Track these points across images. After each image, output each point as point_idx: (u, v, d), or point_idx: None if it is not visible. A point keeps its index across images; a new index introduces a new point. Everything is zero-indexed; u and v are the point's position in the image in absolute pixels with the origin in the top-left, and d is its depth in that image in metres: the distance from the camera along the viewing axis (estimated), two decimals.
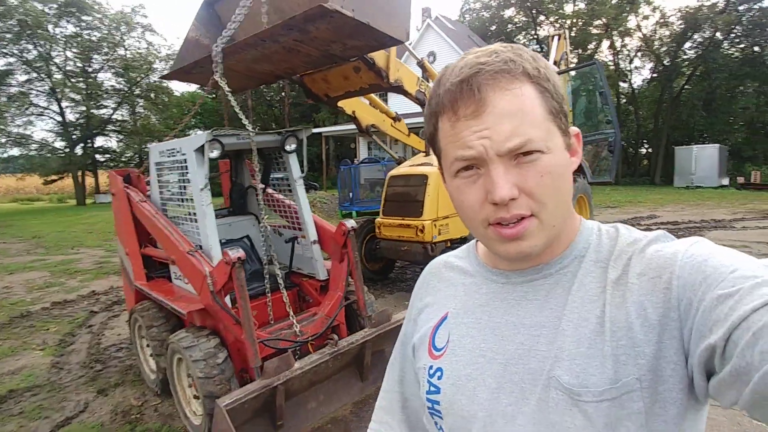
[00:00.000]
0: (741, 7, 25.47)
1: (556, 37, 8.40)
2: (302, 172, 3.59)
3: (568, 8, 30.70)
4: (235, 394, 2.44)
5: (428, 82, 5.18)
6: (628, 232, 0.66)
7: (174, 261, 3.11)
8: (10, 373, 4.12)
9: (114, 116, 31.27)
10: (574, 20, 29.62)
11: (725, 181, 22.63)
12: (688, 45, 28.54)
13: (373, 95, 5.61)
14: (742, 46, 27.11)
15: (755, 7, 25.01)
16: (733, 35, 26.94)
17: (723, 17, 25.45)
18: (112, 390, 3.71)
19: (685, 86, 28.42)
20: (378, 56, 4.23)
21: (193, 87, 39.58)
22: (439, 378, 0.70)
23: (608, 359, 0.56)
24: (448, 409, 0.69)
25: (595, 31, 29.89)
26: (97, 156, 31.60)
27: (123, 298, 6.14)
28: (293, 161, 3.52)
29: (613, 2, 28.67)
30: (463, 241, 5.48)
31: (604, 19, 28.52)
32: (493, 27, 33.44)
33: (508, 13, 33.17)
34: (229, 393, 2.67)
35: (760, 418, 0.45)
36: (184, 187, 3.21)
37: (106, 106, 31.06)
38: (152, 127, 30.71)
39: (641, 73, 48.69)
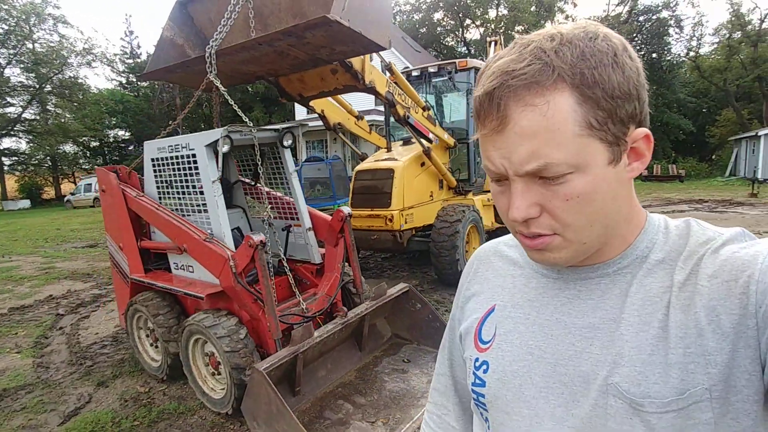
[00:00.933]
0: (641, 18, 28.49)
1: (493, 43, 9.19)
2: (295, 165, 3.91)
3: (492, 13, 32.58)
4: (268, 360, 2.75)
5: (396, 85, 5.62)
6: (701, 230, 0.61)
7: (186, 249, 3.32)
8: None
9: (24, 115, 28.67)
10: (499, 25, 31.48)
11: None
12: None
13: (339, 96, 5.97)
14: (642, 53, 30.29)
15: (653, 18, 28.11)
16: (635, 43, 30.02)
17: (626, 26, 28.34)
18: (111, 381, 3.81)
19: None
20: (355, 60, 4.61)
21: (111, 85, 37.27)
22: (485, 372, 0.70)
23: (673, 367, 0.53)
24: (493, 403, 0.68)
25: (489, 37, 32.05)
26: (4, 159, 28.85)
27: (86, 301, 6.08)
28: (288, 156, 3.83)
29: (531, 9, 30.83)
30: (427, 228, 6.01)
31: (524, 25, 30.58)
32: (423, 29, 34.69)
33: (437, 16, 34.55)
34: (252, 365, 2.99)
35: None
36: (190, 180, 3.41)
37: (13, 104, 28.48)
38: (68, 126, 28.51)
39: None
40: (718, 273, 0.54)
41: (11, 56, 27.11)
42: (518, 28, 31.75)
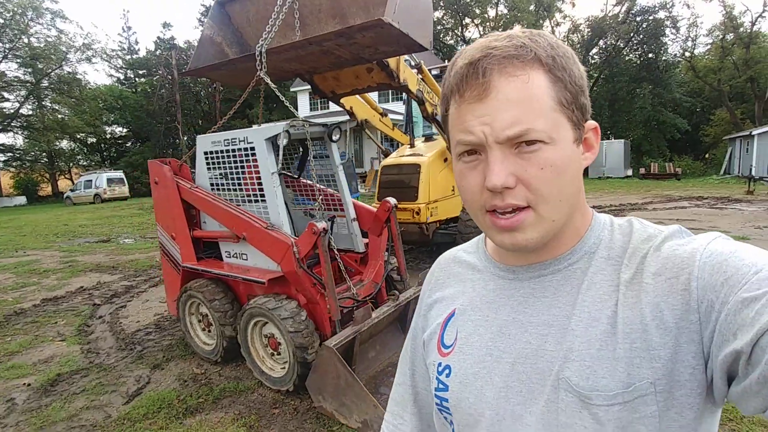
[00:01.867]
0: (638, 18, 28.87)
1: None
2: (342, 158, 4.10)
3: (492, 12, 32.87)
4: (335, 338, 2.95)
5: (424, 83, 5.82)
6: (642, 227, 0.64)
7: (245, 237, 3.50)
8: (42, 362, 4.20)
9: (20, 111, 28.49)
10: (498, 24, 31.77)
11: (629, 172, 25.75)
12: (594, 51, 31.76)
13: (366, 93, 6.17)
14: (639, 52, 30.72)
15: (650, 18, 28.50)
16: (632, 43, 30.44)
17: (623, 27, 28.71)
18: (165, 364, 3.99)
19: (593, 88, 31.63)
20: (391, 59, 4.81)
21: (109, 81, 37.10)
22: (448, 376, 0.71)
23: (620, 362, 0.55)
24: (456, 406, 0.69)
25: None
26: None
27: (119, 292, 6.22)
28: (335, 149, 4.03)
29: (530, 9, 31.13)
30: (450, 221, 6.24)
31: (523, 24, 30.86)
32: None
33: (437, 14, 34.75)
34: (312, 344, 3.19)
35: None
36: (244, 172, 3.58)
37: (8, 99, 28.30)
38: (68, 122, 28.38)
39: None
40: (661, 270, 0.56)
41: (7, 51, 26.94)
42: (516, 27, 32.01)
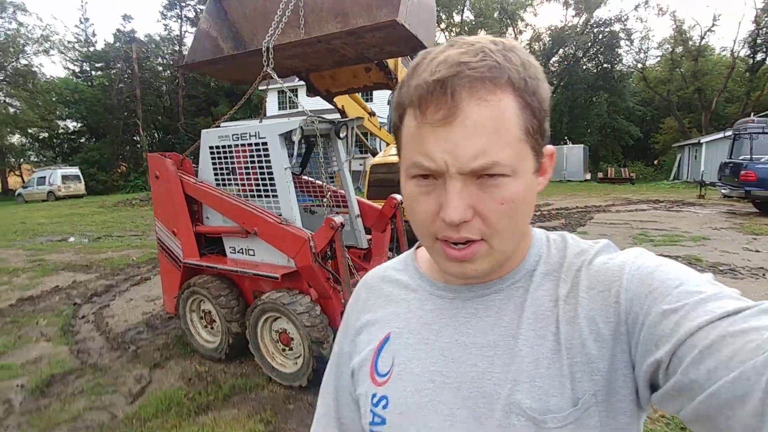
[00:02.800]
0: (596, 30, 30.26)
1: None
2: (347, 155, 4.14)
3: (457, 18, 33.54)
4: None
5: None
6: (575, 243, 0.65)
7: (256, 232, 3.49)
8: (31, 363, 4.01)
9: None
10: (463, 29, 32.45)
11: (588, 176, 26.92)
12: (555, 59, 33.02)
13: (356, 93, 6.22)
14: (596, 62, 32.19)
15: (606, 30, 29.94)
16: (590, 53, 31.85)
17: (582, 37, 30.01)
18: (165, 363, 3.90)
19: (553, 95, 32.87)
20: (390, 59, 4.89)
21: (64, 74, 35.24)
22: (385, 407, 0.65)
23: (567, 378, 0.55)
24: None
25: None
26: None
27: (99, 291, 5.99)
28: (341, 146, 4.07)
29: (495, 16, 32.02)
30: None
31: (487, 30, 31.67)
32: None
33: None
34: (327, 339, 3.22)
35: (699, 430, 0.46)
36: (258, 166, 3.56)
37: None
38: (20, 116, 26.78)
39: None
40: (594, 284, 0.57)
41: None
42: (481, 32, 32.90)
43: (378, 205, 4.20)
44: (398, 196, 3.93)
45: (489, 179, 0.52)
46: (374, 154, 6.91)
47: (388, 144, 7.13)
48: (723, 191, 12.46)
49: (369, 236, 4.22)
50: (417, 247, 0.75)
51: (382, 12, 4.09)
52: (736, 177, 11.30)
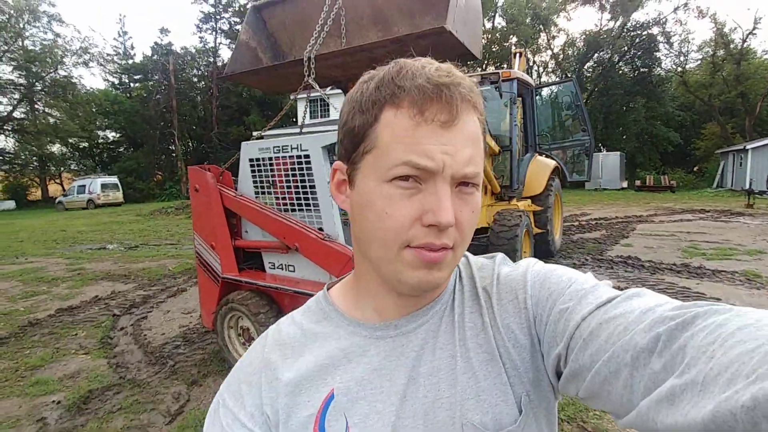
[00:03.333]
0: (633, 33, 29.41)
1: (518, 54, 9.45)
2: None
3: (489, 25, 33.22)
4: None
5: None
6: (476, 259, 0.68)
7: (297, 248, 3.36)
8: (68, 377, 3.99)
9: (13, 114, 28.00)
10: (495, 36, 32.13)
11: (625, 184, 26.04)
12: (589, 64, 32.25)
13: None
14: (633, 66, 31.25)
15: (644, 33, 29.05)
16: (626, 57, 30.95)
17: (618, 41, 29.20)
18: (203, 380, 3.81)
19: (588, 101, 32.06)
20: None
21: (104, 85, 36.69)
22: None
23: (507, 385, 0.56)
24: None
25: (514, 48, 32.79)
26: None
27: (137, 302, 6.01)
28: None
29: (527, 21, 31.56)
30: (479, 231, 6.13)
31: (520, 37, 31.27)
32: None
33: None
34: None
35: (593, 406, 0.50)
36: (300, 180, 3.45)
37: (1, 102, 27.84)
38: (63, 126, 27.94)
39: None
40: (504, 295, 0.61)
41: (2, 53, 26.52)
42: (513, 39, 32.48)
43: None
44: None
45: (465, 188, 0.54)
46: None
47: None
48: None
49: None
50: (328, 289, 0.71)
51: (425, 19, 3.96)
52: None
